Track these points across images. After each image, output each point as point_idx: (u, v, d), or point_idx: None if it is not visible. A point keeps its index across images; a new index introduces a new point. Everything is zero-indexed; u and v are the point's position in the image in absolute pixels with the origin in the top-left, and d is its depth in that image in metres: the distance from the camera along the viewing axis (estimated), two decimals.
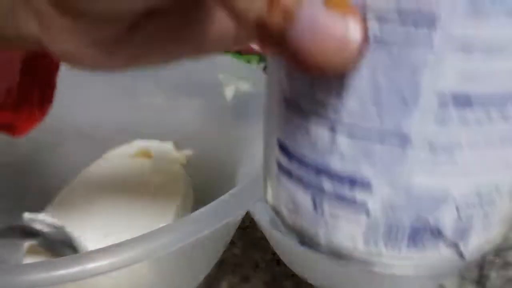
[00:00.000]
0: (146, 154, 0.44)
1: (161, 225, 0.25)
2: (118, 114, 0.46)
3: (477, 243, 0.17)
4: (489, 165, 0.16)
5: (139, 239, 0.24)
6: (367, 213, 0.16)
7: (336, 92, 0.15)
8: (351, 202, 0.16)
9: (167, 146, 0.44)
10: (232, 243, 0.46)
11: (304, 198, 0.17)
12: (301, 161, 0.17)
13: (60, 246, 0.35)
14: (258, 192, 0.29)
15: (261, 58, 0.63)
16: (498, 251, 0.44)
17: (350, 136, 0.16)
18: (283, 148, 0.17)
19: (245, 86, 0.42)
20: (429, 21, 0.14)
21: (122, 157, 0.45)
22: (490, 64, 0.14)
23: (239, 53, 0.63)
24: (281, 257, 0.42)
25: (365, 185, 0.16)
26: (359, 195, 0.16)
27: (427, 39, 0.14)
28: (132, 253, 0.23)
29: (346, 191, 0.16)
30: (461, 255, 0.17)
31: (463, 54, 0.14)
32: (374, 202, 0.16)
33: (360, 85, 0.15)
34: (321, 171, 0.17)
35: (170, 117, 0.46)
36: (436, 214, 0.16)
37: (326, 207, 0.17)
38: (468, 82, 0.14)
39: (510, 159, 0.16)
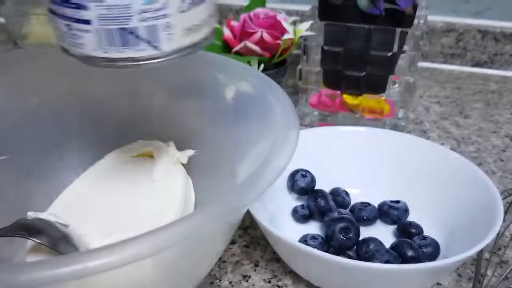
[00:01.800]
0: (147, 154, 0.45)
1: (161, 225, 0.25)
2: (119, 115, 0.46)
3: (166, 38, 0.28)
4: None
5: (139, 238, 0.24)
6: (90, 25, 0.27)
7: None
8: (82, 21, 0.27)
9: (168, 146, 0.44)
10: (233, 242, 0.46)
11: (61, 23, 0.28)
12: (55, 1, 0.27)
13: (63, 244, 0.35)
14: (258, 191, 0.29)
15: (261, 60, 0.63)
16: (494, 250, 0.45)
17: None
18: None
19: (245, 87, 0.42)
20: None
21: (123, 157, 0.45)
22: None
23: (240, 54, 0.64)
24: (281, 256, 0.43)
25: (84, 7, 0.26)
26: (84, 14, 0.27)
27: None
28: (133, 251, 0.23)
29: (78, 13, 0.27)
30: (156, 47, 0.28)
31: None
32: (92, 18, 0.27)
33: None
34: (62, 1, 0.27)
35: (171, 118, 0.46)
36: (131, 23, 0.27)
37: (73, 27, 0.27)
38: None
39: None
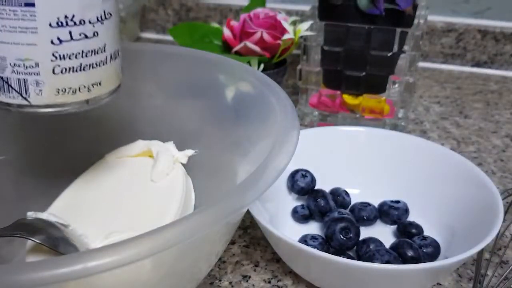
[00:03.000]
0: (147, 154, 0.45)
1: (161, 225, 0.25)
2: (119, 115, 0.46)
3: (35, 93, 0.31)
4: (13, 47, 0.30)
5: (140, 238, 0.24)
6: None
7: None
8: None
9: (168, 146, 0.44)
10: (233, 242, 0.46)
11: None
12: None
13: (63, 245, 0.35)
14: (258, 191, 0.29)
15: (261, 60, 0.63)
16: (494, 250, 0.45)
17: None
18: None
19: (245, 87, 0.42)
20: None
21: (123, 157, 0.45)
22: None
23: (240, 54, 0.64)
24: (281, 256, 0.43)
25: None
26: None
27: None
28: (133, 251, 0.23)
29: None
30: (25, 98, 0.31)
31: None
32: None
33: None
34: None
35: (171, 118, 0.46)
36: (5, 73, 0.30)
37: None
38: None
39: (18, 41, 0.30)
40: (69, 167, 0.45)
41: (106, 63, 0.33)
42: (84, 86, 0.32)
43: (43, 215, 0.37)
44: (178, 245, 0.25)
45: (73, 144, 0.46)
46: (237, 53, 0.64)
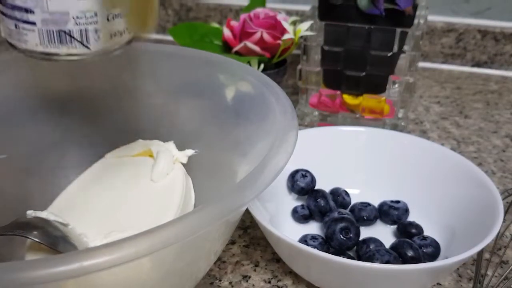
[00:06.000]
0: (147, 154, 0.45)
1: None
2: (119, 115, 0.46)
3: (95, 40, 0.34)
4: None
5: (138, 236, 0.24)
6: (35, 26, 0.33)
7: None
8: (28, 22, 0.33)
9: (168, 146, 0.44)
10: (233, 242, 0.46)
11: (10, 23, 0.34)
12: (4, 3, 0.33)
13: (63, 243, 0.35)
14: (257, 190, 0.29)
15: (261, 60, 0.63)
16: (494, 250, 0.45)
17: None
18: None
19: (245, 87, 0.42)
20: None
21: (123, 157, 0.45)
22: None
23: (240, 54, 0.64)
24: (281, 256, 0.43)
25: (31, 12, 0.33)
26: (30, 17, 0.33)
27: None
28: (131, 249, 0.23)
29: (25, 15, 0.33)
30: (86, 47, 0.34)
31: None
32: (37, 20, 0.33)
33: None
34: (13, 6, 0.33)
35: (171, 117, 0.46)
36: (67, 26, 0.33)
37: (20, 26, 0.33)
38: None
39: None
40: (69, 167, 0.45)
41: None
42: (127, 28, 0.37)
43: (43, 214, 0.37)
44: (176, 243, 0.25)
45: (73, 143, 0.46)
46: (237, 53, 0.64)
